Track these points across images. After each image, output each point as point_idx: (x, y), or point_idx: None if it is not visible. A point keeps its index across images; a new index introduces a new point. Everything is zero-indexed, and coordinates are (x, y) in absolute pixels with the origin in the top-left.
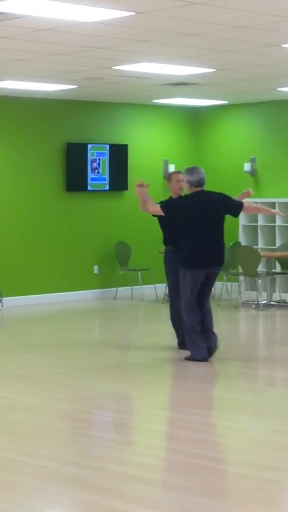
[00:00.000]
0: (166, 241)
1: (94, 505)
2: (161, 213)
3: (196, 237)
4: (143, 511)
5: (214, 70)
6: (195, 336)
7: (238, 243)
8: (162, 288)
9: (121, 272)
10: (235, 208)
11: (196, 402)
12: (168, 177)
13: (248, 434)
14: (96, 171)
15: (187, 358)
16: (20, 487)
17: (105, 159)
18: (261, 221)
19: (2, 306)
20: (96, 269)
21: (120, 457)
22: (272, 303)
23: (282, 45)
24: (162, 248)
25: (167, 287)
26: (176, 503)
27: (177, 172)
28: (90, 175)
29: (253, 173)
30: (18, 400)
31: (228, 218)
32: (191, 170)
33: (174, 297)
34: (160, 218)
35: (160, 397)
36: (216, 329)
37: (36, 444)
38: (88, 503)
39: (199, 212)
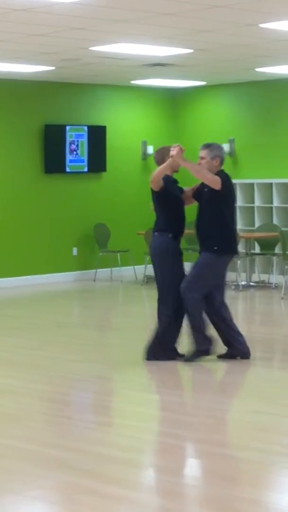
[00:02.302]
0: (162, 226)
1: (75, 486)
2: (218, 186)
3: (233, 219)
4: (124, 492)
5: (192, 50)
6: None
7: None
8: (141, 270)
9: (100, 254)
10: None
11: (175, 383)
12: (158, 152)
13: (228, 415)
14: (75, 152)
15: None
16: (0, 469)
17: (84, 140)
18: (240, 202)
19: None
20: (75, 251)
21: (100, 438)
22: (251, 284)
23: (260, 25)
24: (141, 229)
25: (164, 285)
26: (156, 484)
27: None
28: (69, 156)
29: (231, 154)
30: (1, 383)
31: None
32: (217, 146)
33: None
34: (163, 196)
35: (140, 379)
36: None
37: (16, 426)
38: (68, 485)
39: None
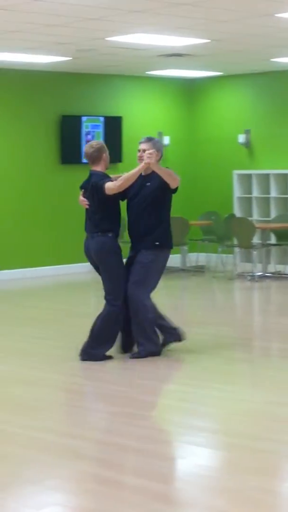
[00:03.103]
0: (106, 226)
1: (92, 476)
2: (178, 183)
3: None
4: (140, 482)
5: (209, 40)
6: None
7: (233, 215)
8: None
9: None
10: None
11: (191, 374)
12: (95, 149)
13: (242, 405)
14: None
15: (141, 355)
16: (17, 458)
17: (100, 131)
18: (256, 192)
19: None
20: None
21: (115, 428)
22: (267, 274)
23: (276, 15)
24: None
25: (113, 285)
26: (173, 474)
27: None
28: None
29: (247, 144)
30: (15, 372)
31: (225, 188)
32: (158, 140)
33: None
34: (113, 198)
35: (155, 369)
36: (211, 301)
37: (33, 417)
38: (86, 475)
39: None
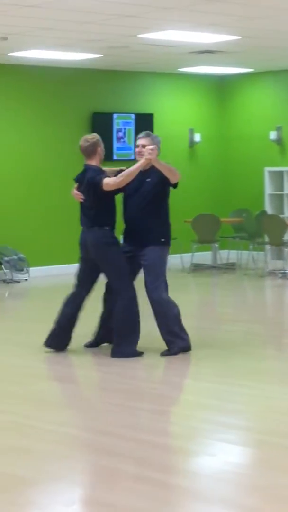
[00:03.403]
0: (102, 220)
1: (120, 473)
2: (178, 178)
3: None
4: (169, 479)
5: (240, 37)
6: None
7: (264, 212)
8: (188, 258)
9: None
10: None
11: (222, 371)
12: (90, 143)
13: (273, 402)
14: (122, 140)
15: (172, 352)
16: (45, 454)
17: (131, 128)
18: (287, 189)
19: (29, 276)
20: (122, 239)
21: (145, 425)
22: None
23: None
24: (188, 217)
25: (116, 280)
26: (203, 471)
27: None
28: (116, 144)
29: (279, 141)
30: (46, 369)
31: (257, 185)
32: (155, 136)
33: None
34: (112, 193)
35: (187, 366)
36: (242, 299)
37: (60, 412)
38: (114, 471)
39: None
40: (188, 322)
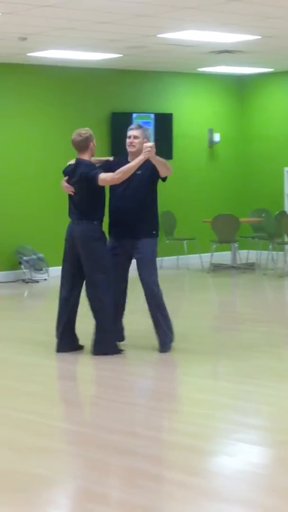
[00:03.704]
0: (90, 213)
1: (140, 472)
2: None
3: None
4: (188, 479)
5: (260, 37)
6: None
7: (284, 212)
8: (207, 258)
9: (167, 241)
10: None
11: (242, 371)
12: (83, 138)
13: None
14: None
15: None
16: (69, 455)
17: (150, 128)
18: None
19: (48, 276)
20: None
21: (164, 425)
22: None
23: None
24: (207, 217)
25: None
26: (221, 471)
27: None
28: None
29: None
30: (63, 368)
31: (276, 185)
32: (147, 128)
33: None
34: (102, 187)
35: (206, 366)
36: (262, 299)
37: (79, 412)
38: (132, 470)
39: None
40: (207, 322)
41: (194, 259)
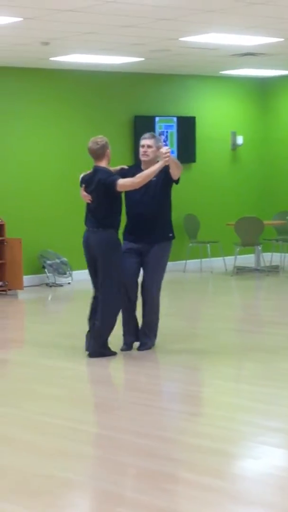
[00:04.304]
0: (108, 222)
1: (165, 476)
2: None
3: None
4: (212, 481)
5: (283, 39)
6: None
7: None
8: (231, 261)
9: (190, 244)
10: None
11: (265, 374)
12: (100, 145)
13: None
14: (164, 143)
15: (149, 347)
16: (92, 458)
17: (173, 131)
18: None
19: (71, 280)
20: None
21: (190, 428)
22: None
23: None
24: (231, 220)
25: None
26: (245, 473)
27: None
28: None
29: None
30: (88, 372)
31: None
32: (159, 137)
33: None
34: (120, 194)
35: (230, 369)
36: (285, 302)
37: (107, 416)
38: (159, 474)
39: None
40: (231, 324)
41: (218, 262)
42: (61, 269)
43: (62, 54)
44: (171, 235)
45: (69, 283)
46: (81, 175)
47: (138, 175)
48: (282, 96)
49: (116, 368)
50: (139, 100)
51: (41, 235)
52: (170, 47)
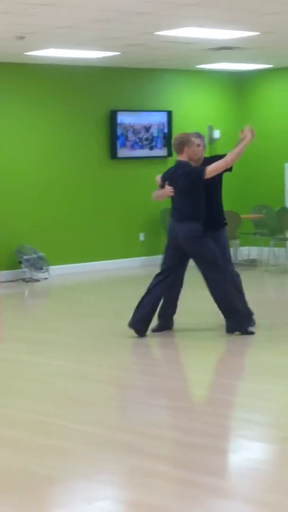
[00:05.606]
0: (199, 212)
1: (145, 471)
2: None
3: None
4: (194, 477)
5: (259, 33)
6: None
7: (285, 208)
8: None
9: None
10: None
11: (241, 367)
12: (187, 140)
13: None
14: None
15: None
16: (71, 453)
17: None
18: None
19: (49, 275)
20: (142, 236)
21: (167, 422)
22: None
23: None
24: None
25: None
26: (223, 467)
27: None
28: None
29: None
30: (66, 367)
31: (277, 181)
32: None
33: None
34: (204, 182)
35: (209, 363)
36: (264, 295)
37: (85, 411)
38: (138, 469)
39: None
40: (209, 318)
41: None
42: (38, 264)
43: (37, 49)
44: (225, 221)
45: (46, 278)
46: (161, 175)
47: (229, 154)
48: (259, 89)
49: (95, 363)
50: (115, 94)
51: (17, 230)
52: (146, 42)
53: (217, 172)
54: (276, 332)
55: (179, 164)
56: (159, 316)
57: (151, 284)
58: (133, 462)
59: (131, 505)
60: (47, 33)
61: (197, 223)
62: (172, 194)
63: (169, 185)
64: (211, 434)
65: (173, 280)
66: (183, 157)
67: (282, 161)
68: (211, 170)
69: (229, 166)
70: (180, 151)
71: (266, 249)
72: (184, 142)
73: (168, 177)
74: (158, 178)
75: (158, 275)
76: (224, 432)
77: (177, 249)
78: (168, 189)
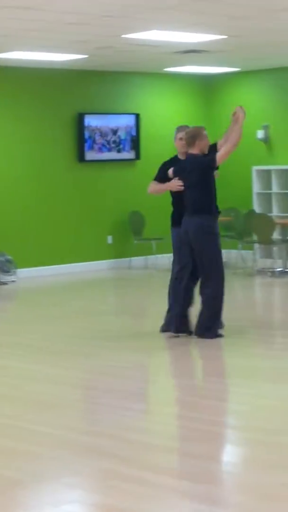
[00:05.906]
0: (210, 208)
1: (112, 473)
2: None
3: None
4: (161, 479)
5: (226, 36)
6: None
7: (253, 211)
8: None
9: (135, 242)
10: None
11: (211, 370)
12: (198, 134)
13: (263, 401)
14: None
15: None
16: (37, 456)
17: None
18: (275, 188)
19: (16, 278)
20: (110, 239)
21: (135, 425)
22: (287, 270)
23: None
24: None
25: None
26: (194, 470)
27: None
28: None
29: (266, 140)
30: (34, 370)
31: (245, 184)
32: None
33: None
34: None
35: (175, 365)
36: (231, 297)
37: (52, 414)
38: (105, 472)
39: None
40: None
41: (163, 259)
42: (6, 267)
43: (2, 51)
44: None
45: (13, 281)
46: (169, 170)
47: (232, 137)
48: (226, 93)
49: (60, 366)
50: (83, 97)
51: None
52: (113, 45)
53: (227, 156)
54: (242, 335)
55: (190, 156)
56: (167, 312)
57: (184, 295)
58: (102, 465)
59: (99, 508)
60: (14, 36)
61: (209, 216)
62: (181, 188)
63: (179, 179)
64: (180, 437)
65: (194, 277)
66: (194, 150)
67: (250, 165)
68: (221, 155)
69: (237, 147)
70: (192, 144)
71: (234, 251)
72: (195, 136)
73: (180, 171)
74: (171, 171)
75: (181, 281)
76: (194, 435)
77: (189, 245)
78: (175, 183)
